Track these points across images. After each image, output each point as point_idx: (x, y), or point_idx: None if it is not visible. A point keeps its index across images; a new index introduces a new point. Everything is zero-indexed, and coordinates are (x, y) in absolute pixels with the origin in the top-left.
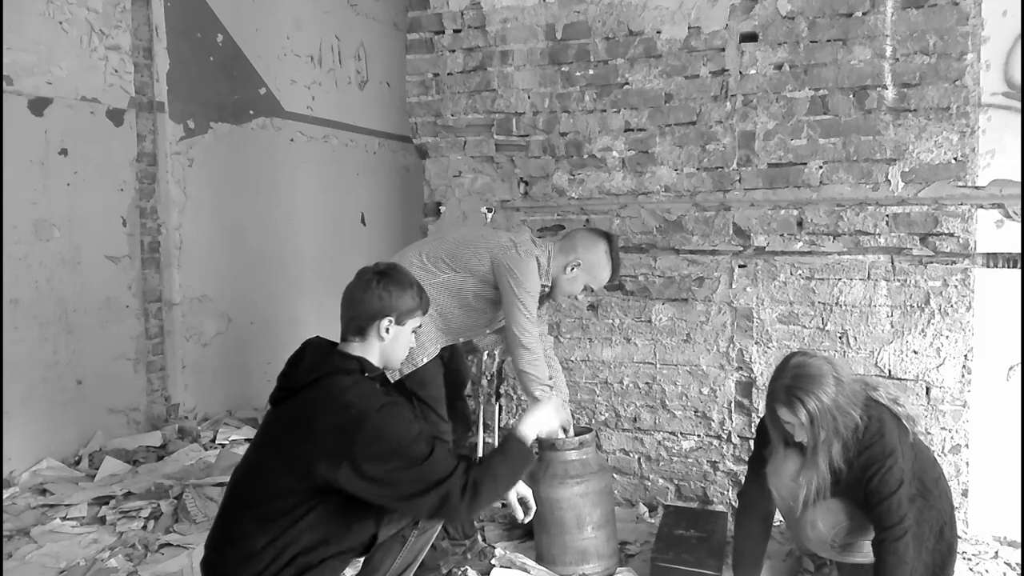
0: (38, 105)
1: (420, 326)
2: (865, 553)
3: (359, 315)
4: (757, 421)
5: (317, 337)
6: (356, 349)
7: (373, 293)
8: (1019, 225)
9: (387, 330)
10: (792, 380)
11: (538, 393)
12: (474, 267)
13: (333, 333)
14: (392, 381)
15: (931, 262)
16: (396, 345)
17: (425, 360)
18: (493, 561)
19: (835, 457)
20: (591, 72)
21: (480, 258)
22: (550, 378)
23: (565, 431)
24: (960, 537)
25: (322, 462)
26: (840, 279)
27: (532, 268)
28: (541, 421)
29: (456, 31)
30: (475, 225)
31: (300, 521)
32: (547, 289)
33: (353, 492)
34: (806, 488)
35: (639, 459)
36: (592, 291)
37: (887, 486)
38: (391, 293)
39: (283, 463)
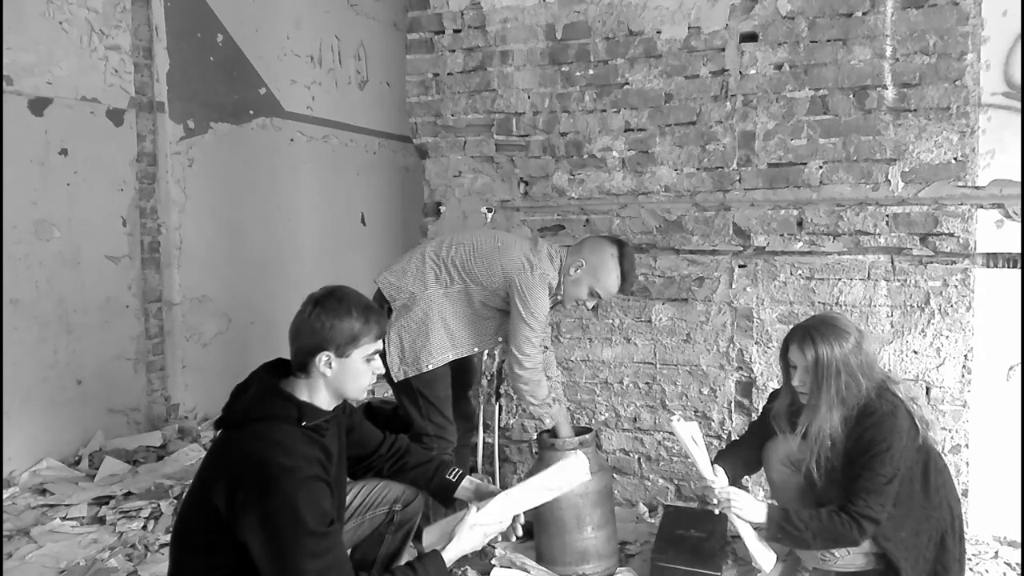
0: (38, 105)
1: (378, 352)
2: (841, 565)
3: (298, 350)
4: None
5: (276, 361)
6: (302, 387)
7: (307, 325)
8: (1019, 225)
9: (328, 365)
10: (814, 322)
11: (542, 412)
12: (485, 281)
13: None
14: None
15: (931, 262)
16: (345, 378)
17: (431, 367)
18: (493, 561)
19: (834, 423)
20: (591, 72)
21: (493, 274)
22: (550, 395)
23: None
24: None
25: (229, 511)
26: (840, 279)
27: (543, 293)
28: (466, 547)
29: (456, 31)
30: (489, 229)
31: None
32: (559, 297)
33: (248, 548)
34: (805, 425)
35: (639, 459)
36: (599, 298)
37: (884, 468)
38: (324, 324)
39: (210, 499)
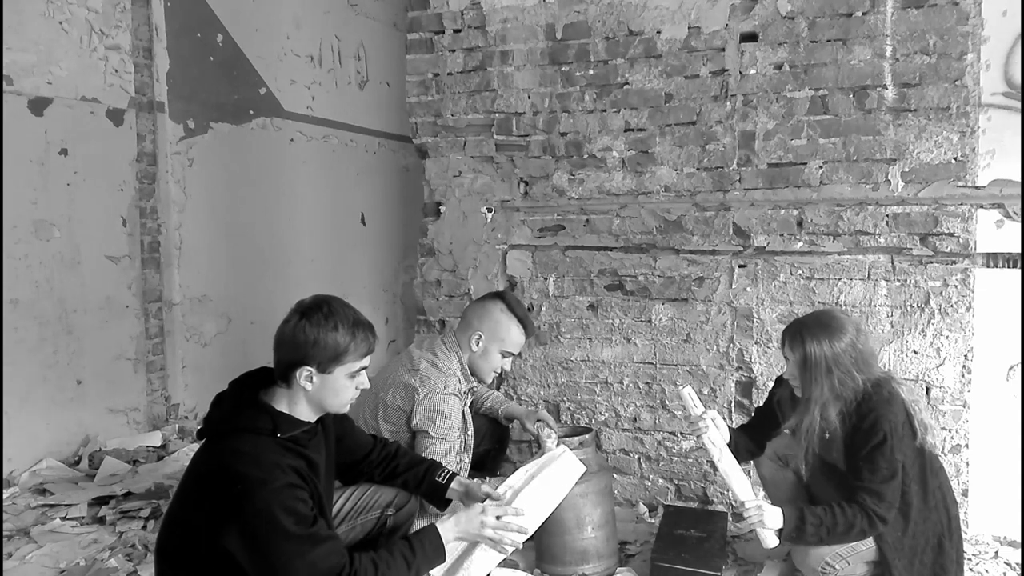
0: (38, 105)
1: (364, 369)
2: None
3: (280, 360)
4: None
5: (259, 370)
6: (282, 397)
7: (290, 336)
8: (1019, 225)
9: (309, 380)
10: (808, 319)
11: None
12: (402, 420)
13: None
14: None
15: (931, 262)
16: (325, 393)
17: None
18: None
19: (830, 418)
20: (591, 72)
21: (403, 416)
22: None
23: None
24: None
25: (209, 527)
26: (840, 279)
27: (447, 410)
28: (464, 528)
29: (456, 31)
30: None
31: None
32: (474, 387)
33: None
34: (796, 421)
35: (639, 459)
36: (512, 355)
37: (884, 462)
38: (307, 338)
39: (190, 514)
